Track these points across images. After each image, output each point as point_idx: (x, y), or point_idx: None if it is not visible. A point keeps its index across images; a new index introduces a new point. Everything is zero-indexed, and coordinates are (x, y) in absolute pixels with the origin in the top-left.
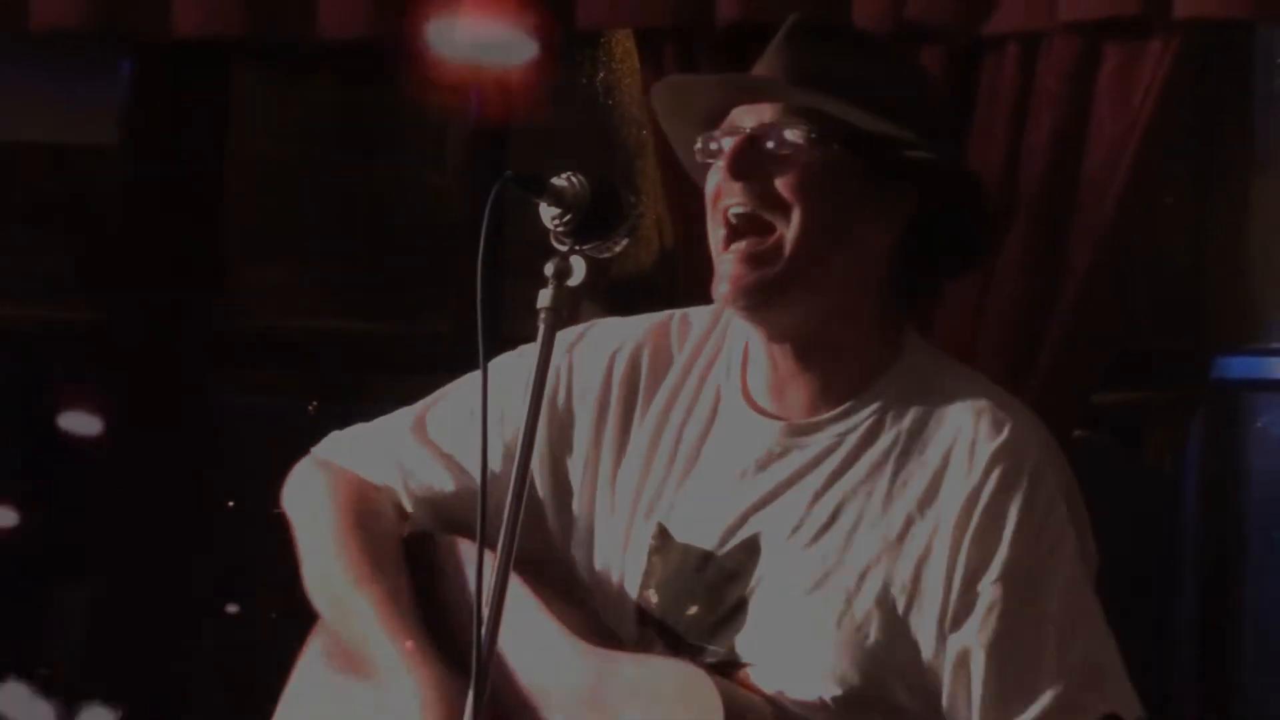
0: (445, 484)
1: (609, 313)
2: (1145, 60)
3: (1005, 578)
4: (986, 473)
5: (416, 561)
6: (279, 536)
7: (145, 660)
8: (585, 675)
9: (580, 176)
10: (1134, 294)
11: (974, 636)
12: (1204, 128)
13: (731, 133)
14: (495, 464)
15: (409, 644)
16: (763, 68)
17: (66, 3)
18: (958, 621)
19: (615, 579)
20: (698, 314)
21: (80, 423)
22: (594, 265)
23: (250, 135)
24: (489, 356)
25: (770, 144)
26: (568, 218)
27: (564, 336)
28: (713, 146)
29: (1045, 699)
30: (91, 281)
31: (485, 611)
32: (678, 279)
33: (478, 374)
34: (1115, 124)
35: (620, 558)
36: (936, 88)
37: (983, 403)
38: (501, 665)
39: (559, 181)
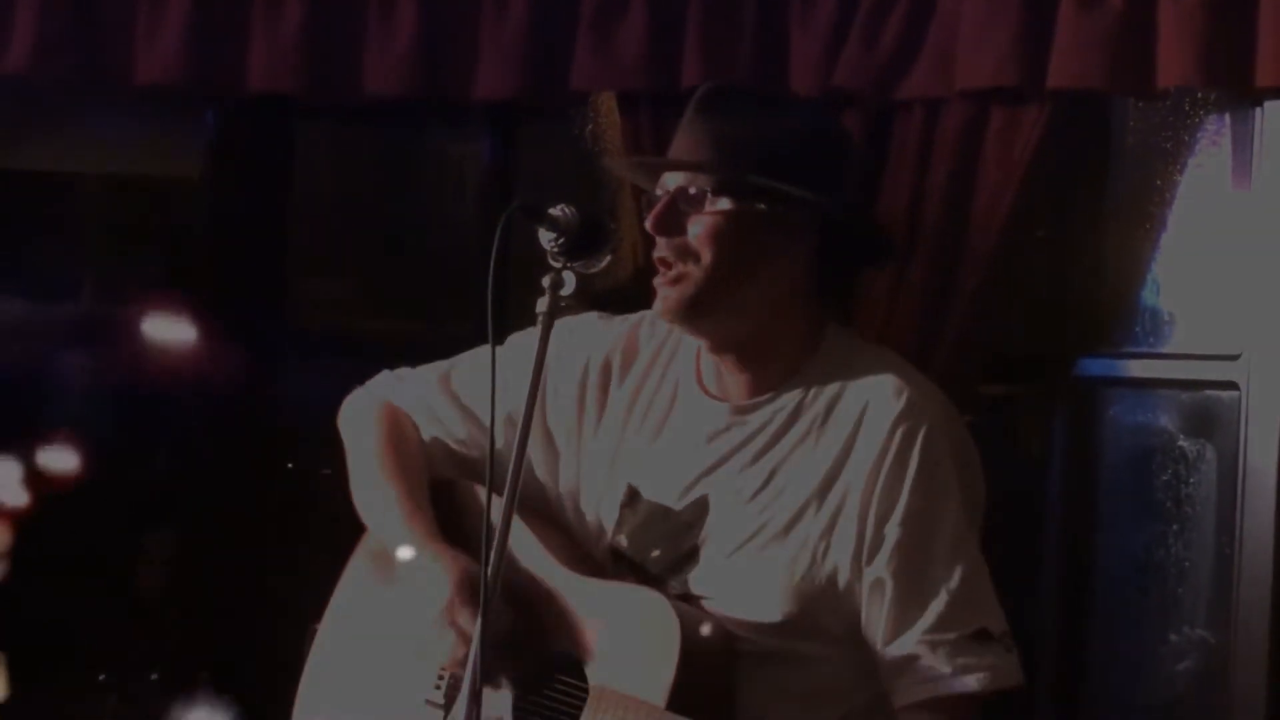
0: (460, 431)
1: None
2: (1023, 121)
3: (906, 520)
4: (891, 433)
5: (443, 503)
6: (325, 491)
7: (221, 585)
8: (569, 596)
9: (572, 208)
10: (1012, 307)
11: (883, 568)
12: (1069, 175)
13: (662, 191)
14: (499, 428)
15: (422, 528)
16: (681, 135)
17: (162, 64)
18: (871, 556)
19: (594, 524)
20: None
21: (172, 403)
22: (582, 279)
23: (310, 172)
24: (495, 357)
25: (684, 203)
26: (562, 241)
27: (557, 330)
28: (655, 196)
29: (932, 615)
30: (181, 289)
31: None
32: (647, 291)
33: (515, 342)
34: (998, 172)
35: (598, 509)
36: (837, 139)
37: (887, 375)
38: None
39: (555, 212)
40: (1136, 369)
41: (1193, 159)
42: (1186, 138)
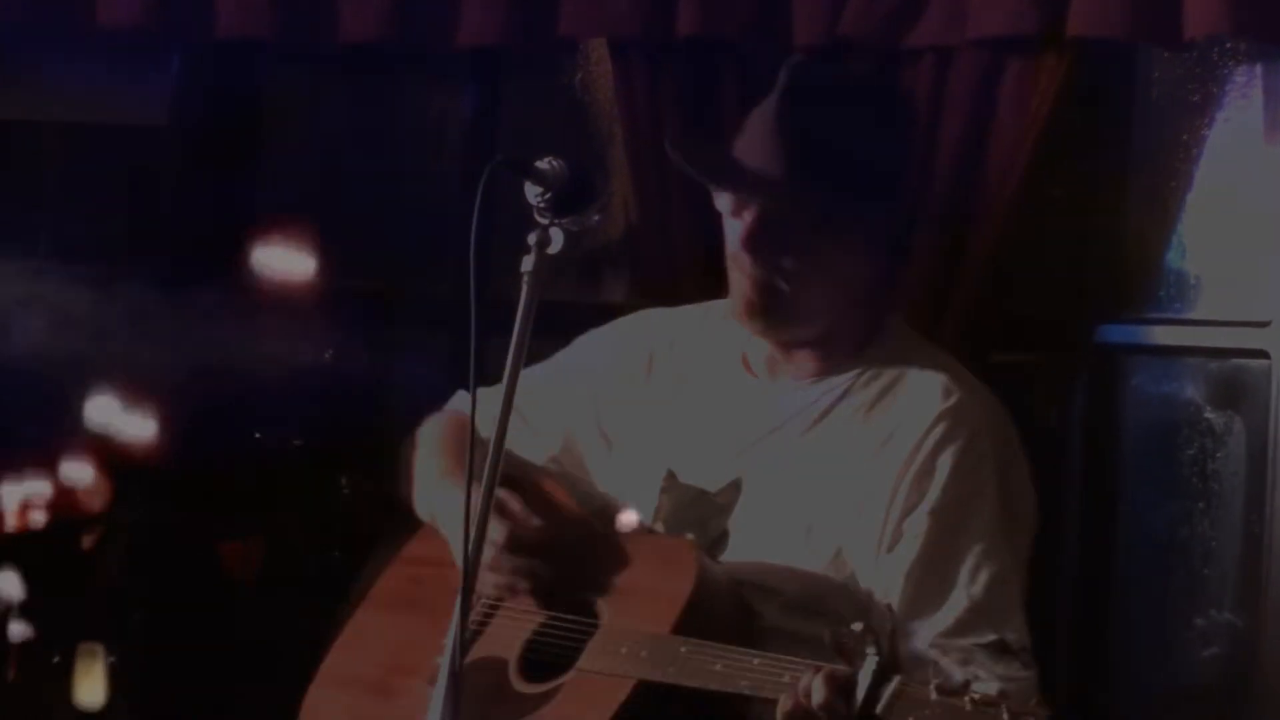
0: (519, 440)
1: (580, 280)
2: (1041, 72)
3: (932, 514)
4: (930, 429)
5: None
6: (296, 462)
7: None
8: (601, 549)
9: (560, 161)
10: (1027, 269)
11: (900, 561)
12: (1090, 129)
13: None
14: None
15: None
16: (758, 132)
17: (126, 4)
18: (890, 548)
19: (637, 512)
20: (720, 306)
21: (139, 368)
22: (570, 237)
23: (281, 123)
24: (479, 312)
25: (777, 221)
26: (548, 196)
27: (617, 323)
28: (729, 206)
29: (948, 618)
30: (144, 243)
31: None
32: (639, 249)
33: (572, 346)
34: (1014, 126)
35: (638, 495)
36: (910, 133)
37: (940, 375)
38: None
39: (542, 165)
40: (1160, 336)
41: (1221, 113)
42: (1215, 90)
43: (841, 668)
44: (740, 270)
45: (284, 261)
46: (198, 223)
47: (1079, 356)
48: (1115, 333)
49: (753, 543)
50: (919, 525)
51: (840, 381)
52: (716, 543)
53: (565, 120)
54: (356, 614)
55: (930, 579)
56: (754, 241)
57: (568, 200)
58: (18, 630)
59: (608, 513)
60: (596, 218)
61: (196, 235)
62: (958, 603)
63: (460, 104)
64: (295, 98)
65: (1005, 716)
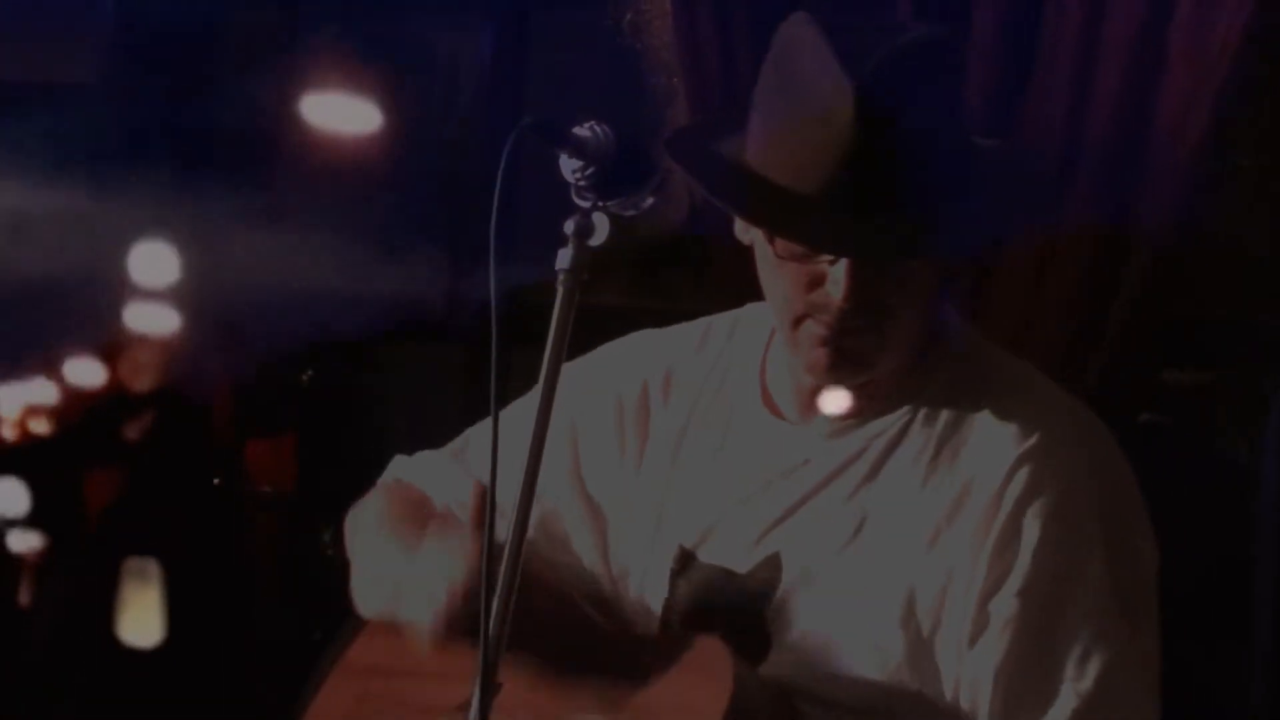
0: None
1: (633, 279)
2: (1221, 11)
3: (1022, 594)
4: (1009, 479)
5: None
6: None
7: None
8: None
9: (605, 126)
10: (1206, 261)
11: (987, 657)
12: None
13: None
14: (559, 492)
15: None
16: (821, 174)
17: None
18: (973, 640)
19: (640, 606)
20: (720, 322)
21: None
22: (618, 224)
23: (246, 75)
24: (500, 321)
25: (869, 269)
26: (590, 171)
27: (596, 354)
28: (797, 251)
29: None
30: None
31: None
32: (708, 241)
33: (522, 401)
34: (1189, 77)
35: (642, 582)
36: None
37: (1020, 404)
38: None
39: (582, 131)
40: None
41: None
42: None
43: None
44: (822, 325)
45: (251, 247)
46: (135, 196)
47: (1273, 373)
48: None
49: (800, 637)
50: (1006, 610)
51: (892, 422)
52: (752, 638)
53: (611, 71)
54: None
55: (1026, 677)
56: (856, 291)
57: (615, 177)
58: (21, 542)
59: (609, 608)
60: (651, 200)
61: (134, 212)
62: (1065, 705)
63: (477, 47)
64: (261, 43)
65: None
